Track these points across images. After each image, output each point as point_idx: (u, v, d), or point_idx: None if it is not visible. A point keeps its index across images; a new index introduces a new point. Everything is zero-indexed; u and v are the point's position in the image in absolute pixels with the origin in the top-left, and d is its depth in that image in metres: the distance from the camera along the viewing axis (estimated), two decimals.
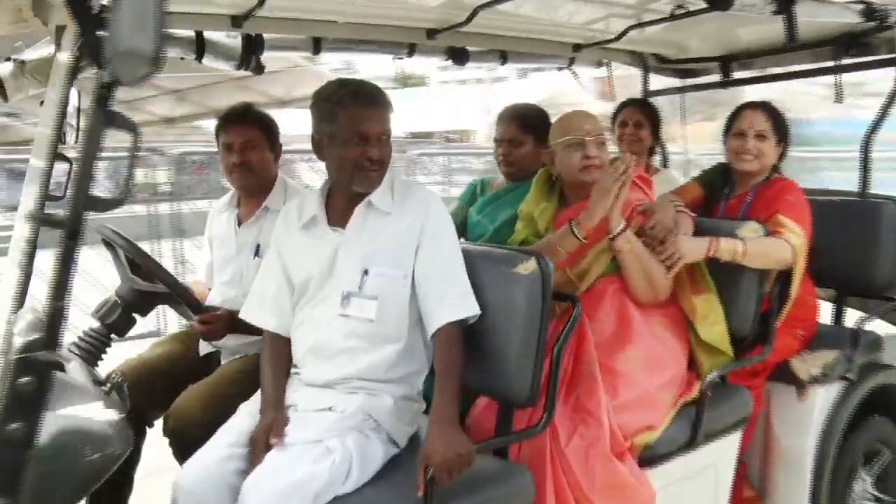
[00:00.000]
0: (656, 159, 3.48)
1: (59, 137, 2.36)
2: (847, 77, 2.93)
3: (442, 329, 1.91)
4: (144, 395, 2.35)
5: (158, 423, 2.30)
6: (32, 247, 1.56)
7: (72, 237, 1.33)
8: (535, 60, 3.32)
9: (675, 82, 3.51)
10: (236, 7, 2.39)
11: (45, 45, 2.38)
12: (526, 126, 2.69)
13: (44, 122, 2.33)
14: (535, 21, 2.90)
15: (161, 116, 12.38)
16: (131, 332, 2.34)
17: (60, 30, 2.30)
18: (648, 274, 2.26)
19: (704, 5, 2.37)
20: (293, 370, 2.04)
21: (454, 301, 1.93)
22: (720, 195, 2.74)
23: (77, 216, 1.34)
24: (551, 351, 1.91)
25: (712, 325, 2.35)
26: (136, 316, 2.26)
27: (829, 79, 2.98)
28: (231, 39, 2.64)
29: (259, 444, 1.81)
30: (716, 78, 3.36)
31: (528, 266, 1.85)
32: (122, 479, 2.39)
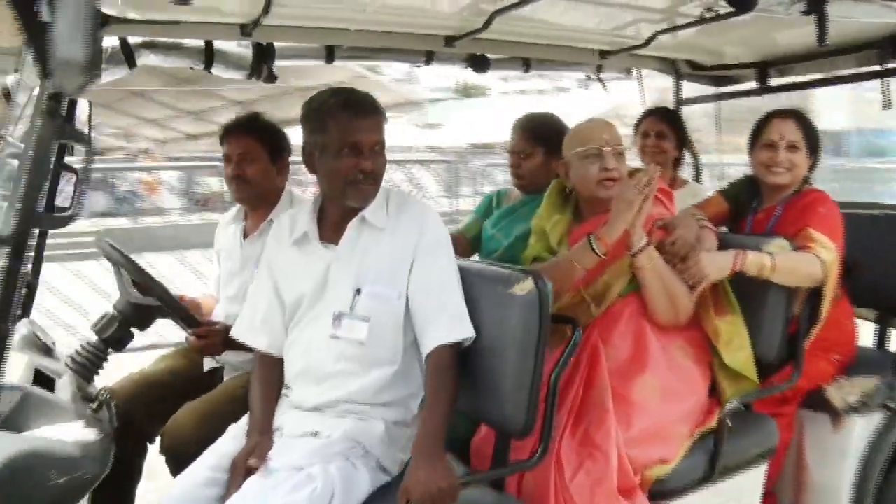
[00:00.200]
0: (686, 171, 3.31)
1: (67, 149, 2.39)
2: None
3: (434, 352, 1.82)
4: (145, 409, 2.32)
5: None
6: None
7: (16, 254, 1.26)
8: (559, 68, 3.20)
9: (709, 90, 3.35)
10: (244, 16, 2.35)
11: None
12: (535, 137, 2.58)
13: None
14: (559, 27, 2.79)
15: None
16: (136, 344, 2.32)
17: None
18: (671, 294, 2.12)
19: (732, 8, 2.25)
20: (284, 391, 1.97)
21: (447, 322, 1.83)
22: (747, 209, 2.58)
23: (22, 232, 1.28)
24: (549, 378, 1.79)
25: (737, 349, 2.19)
26: (135, 330, 2.22)
27: None
28: (242, 49, 2.60)
29: (238, 469, 1.74)
30: (753, 85, 3.19)
31: (525, 286, 1.74)
32: (123, 496, 2.35)
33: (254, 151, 2.40)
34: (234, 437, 1.87)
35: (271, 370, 1.97)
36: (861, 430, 2.43)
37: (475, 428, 2.09)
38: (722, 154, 3.36)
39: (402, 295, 1.87)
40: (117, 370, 2.45)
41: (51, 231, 3.01)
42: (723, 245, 2.27)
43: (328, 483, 1.67)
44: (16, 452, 1.42)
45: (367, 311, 1.85)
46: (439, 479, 1.62)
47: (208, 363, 2.46)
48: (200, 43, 2.50)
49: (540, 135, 2.57)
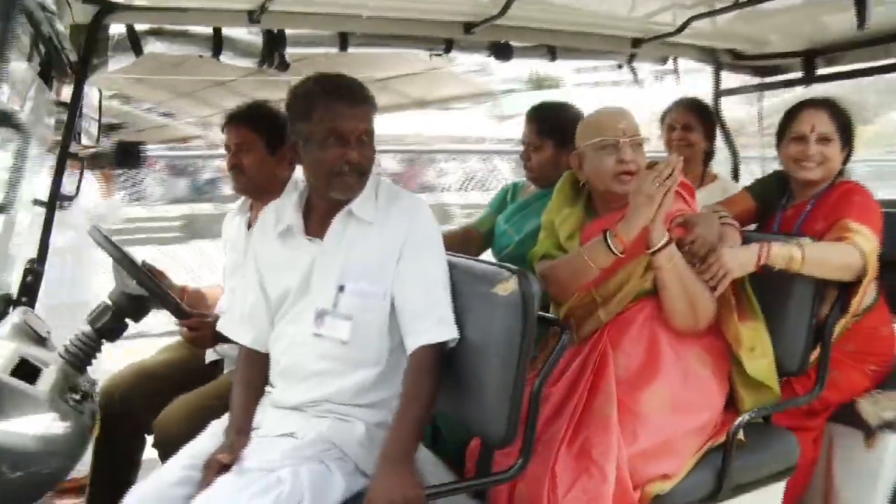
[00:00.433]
0: (721, 168, 3.12)
1: (73, 137, 2.38)
2: None
3: (416, 352, 1.73)
4: (143, 401, 2.31)
5: None
6: None
7: None
8: (588, 57, 3.06)
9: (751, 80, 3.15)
10: (250, 2, 2.30)
11: None
12: (544, 129, 2.45)
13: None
14: (586, 13, 2.66)
15: None
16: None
17: (74, 29, 2.30)
18: (690, 296, 1.97)
19: None
20: (267, 388, 1.91)
21: (432, 322, 1.73)
22: (776, 206, 2.39)
23: None
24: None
25: (759, 357, 2.03)
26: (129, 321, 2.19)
27: None
28: (252, 36, 2.55)
29: (211, 468, 1.68)
30: (798, 75, 2.98)
31: (508, 286, 1.62)
32: (120, 488, 2.33)
33: (250, 142, 2.34)
34: (212, 435, 1.82)
35: (255, 366, 1.91)
36: None
37: (471, 434, 1.99)
38: (765, 149, 3.14)
39: (387, 293, 1.79)
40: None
41: (136, 216, 3.10)
42: (746, 244, 2.11)
43: (297, 486, 1.60)
44: None
45: (350, 310, 1.77)
46: (406, 487, 1.54)
47: (210, 355, 2.42)
48: (209, 30, 2.46)
49: (550, 127, 2.44)
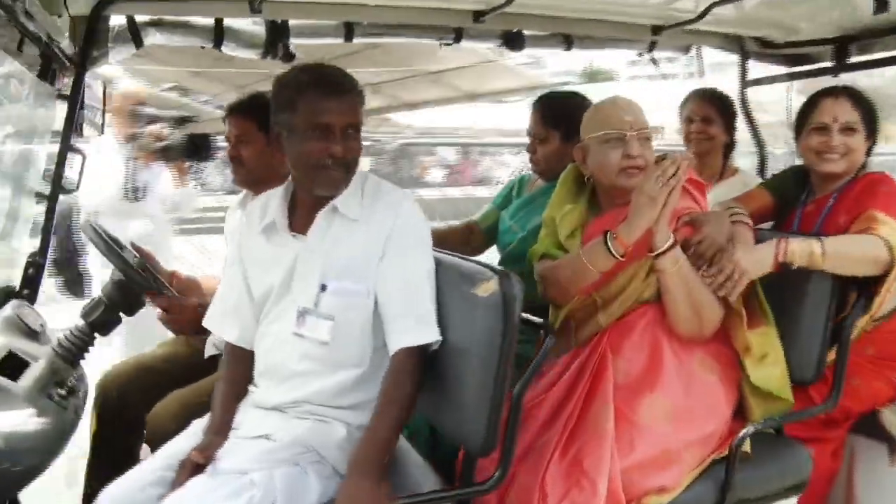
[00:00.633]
0: (743, 163, 2.97)
1: (74, 129, 2.36)
2: None
3: (395, 354, 1.66)
4: (141, 395, 2.28)
5: None
6: None
7: None
8: (606, 46, 2.94)
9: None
10: None
11: None
12: (551, 120, 2.35)
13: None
14: (601, 0, 2.55)
15: None
16: None
17: (75, 21, 2.28)
18: (695, 302, 1.85)
19: None
20: (251, 387, 1.86)
21: (414, 323, 1.66)
22: (795, 202, 2.26)
23: None
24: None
25: (771, 365, 1.91)
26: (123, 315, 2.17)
27: None
28: (255, 27, 2.50)
29: (185, 469, 1.64)
30: (829, 64, 2.82)
31: (488, 287, 1.54)
32: None
33: (249, 133, 2.30)
34: (192, 434, 1.78)
35: (239, 364, 1.86)
36: None
37: (450, 442, 1.92)
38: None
39: (371, 291, 1.72)
40: None
41: (208, 206, 3.13)
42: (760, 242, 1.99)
43: (270, 490, 1.55)
44: None
45: (332, 309, 1.71)
46: (373, 496, 1.48)
47: (209, 350, 2.39)
48: (210, 21, 2.42)
49: (556, 117, 2.34)
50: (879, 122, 2.15)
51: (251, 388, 1.85)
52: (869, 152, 2.16)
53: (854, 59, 2.74)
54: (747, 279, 1.88)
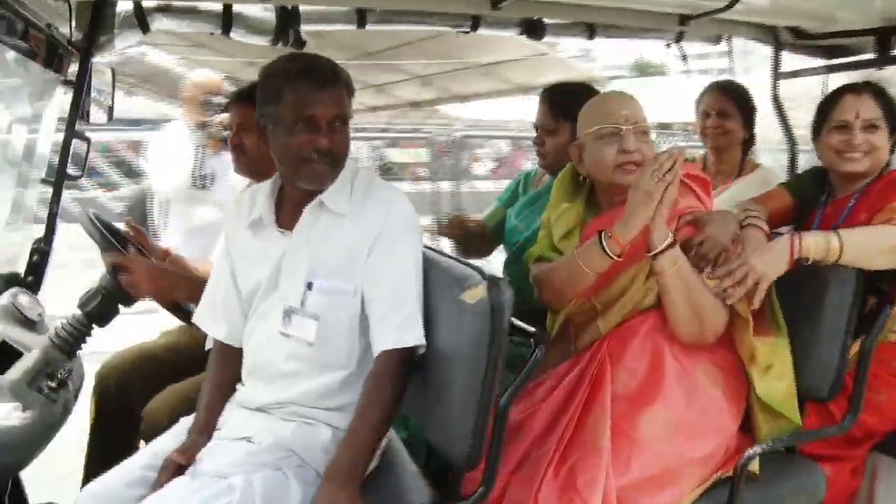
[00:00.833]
0: (765, 157, 2.84)
1: (80, 115, 2.34)
2: None
3: (379, 356, 1.60)
4: (140, 386, 2.27)
5: None
6: None
7: None
8: (631, 35, 2.82)
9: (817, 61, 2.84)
10: None
11: None
12: (561, 111, 2.24)
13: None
14: None
15: (407, 100, 12.93)
16: None
17: (82, 6, 2.25)
18: (695, 305, 1.76)
19: None
20: (238, 385, 1.82)
21: (398, 324, 1.59)
22: (815, 203, 2.13)
23: None
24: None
25: (776, 379, 1.80)
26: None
27: None
28: (265, 13, 2.44)
29: (166, 470, 1.61)
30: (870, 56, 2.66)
31: (475, 293, 1.46)
32: None
33: (251, 121, 2.24)
34: (178, 434, 1.74)
35: (227, 362, 1.82)
36: None
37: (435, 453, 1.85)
38: None
39: (358, 290, 1.66)
40: None
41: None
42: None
43: (249, 494, 1.50)
44: None
45: (318, 309, 1.66)
46: None
47: (210, 342, 2.36)
48: (218, 6, 2.37)
49: (567, 108, 2.21)
50: None
51: (238, 385, 1.81)
52: (893, 150, 2.03)
53: None
54: (767, 282, 1.77)
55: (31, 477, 2.10)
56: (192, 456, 1.62)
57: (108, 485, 1.63)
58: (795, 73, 2.86)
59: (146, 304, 2.07)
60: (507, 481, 1.71)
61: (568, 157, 2.15)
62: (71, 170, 2.31)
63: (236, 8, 2.38)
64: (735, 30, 2.77)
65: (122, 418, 2.24)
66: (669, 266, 1.74)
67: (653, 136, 1.93)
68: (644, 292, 1.84)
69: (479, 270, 1.52)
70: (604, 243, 1.74)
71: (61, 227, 2.28)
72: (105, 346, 2.26)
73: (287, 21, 2.44)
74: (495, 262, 2.76)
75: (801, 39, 2.78)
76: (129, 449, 2.34)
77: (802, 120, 2.54)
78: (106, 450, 2.24)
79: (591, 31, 2.70)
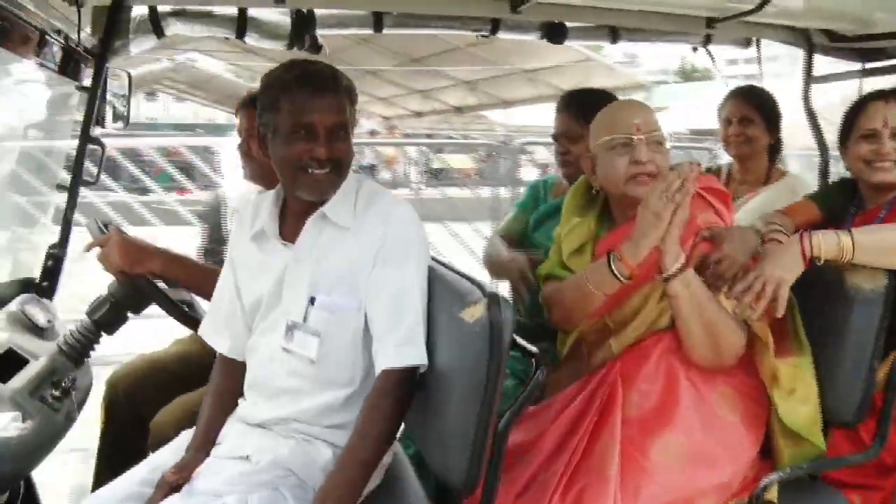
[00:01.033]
0: (792, 165, 2.72)
1: (95, 120, 2.33)
2: None
3: (379, 376, 1.55)
4: (149, 396, 2.25)
5: None
6: None
7: None
8: (656, 39, 2.74)
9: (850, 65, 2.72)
10: None
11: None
12: (584, 116, 2.14)
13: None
14: None
15: (452, 105, 12.93)
16: None
17: (98, 11, 2.24)
18: (712, 328, 1.67)
19: None
20: (241, 399, 1.79)
21: (399, 342, 1.54)
22: (844, 214, 2.04)
23: None
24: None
25: (800, 402, 1.71)
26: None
27: None
28: (280, 17, 2.42)
29: (161, 489, 1.58)
30: None
31: (475, 312, 1.40)
32: None
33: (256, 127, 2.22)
34: (175, 450, 1.72)
35: (230, 377, 1.79)
36: None
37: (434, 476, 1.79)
38: None
39: (362, 306, 1.62)
40: None
41: None
42: None
43: None
44: None
45: (320, 325, 1.61)
46: None
47: None
48: (233, 10, 2.35)
49: (592, 112, 2.15)
50: None
51: (240, 399, 1.78)
52: None
53: None
54: (786, 287, 1.68)
55: (46, 486, 2.12)
56: (189, 474, 1.59)
57: (105, 500, 1.61)
58: (828, 78, 2.75)
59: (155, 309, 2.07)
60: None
61: None
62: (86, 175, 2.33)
63: (251, 12, 2.36)
64: (765, 32, 2.68)
65: (131, 428, 2.22)
66: (682, 289, 1.66)
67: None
68: (658, 312, 1.77)
69: (481, 287, 1.46)
70: (612, 265, 1.67)
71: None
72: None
73: (302, 25, 2.42)
74: None
75: (835, 42, 2.67)
76: (138, 459, 2.32)
77: None
78: (115, 459, 2.23)
79: (613, 34, 2.63)
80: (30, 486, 2.05)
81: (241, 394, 1.77)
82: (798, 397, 1.71)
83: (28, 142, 2.44)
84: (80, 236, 2.15)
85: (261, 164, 2.22)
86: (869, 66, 2.68)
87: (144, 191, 6.56)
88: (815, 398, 1.72)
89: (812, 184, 2.59)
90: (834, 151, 2.49)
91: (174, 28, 2.32)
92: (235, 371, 1.78)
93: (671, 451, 1.64)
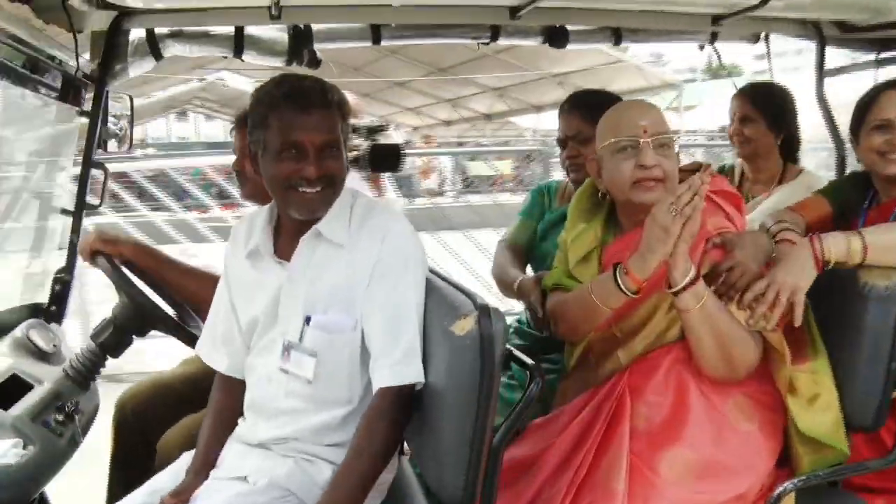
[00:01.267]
0: (809, 163, 2.63)
1: (97, 144, 2.34)
2: None
3: (376, 394, 1.52)
4: (159, 416, 2.23)
5: None
6: None
7: None
8: (661, 39, 2.68)
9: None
10: None
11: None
12: (593, 116, 2.09)
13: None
14: None
15: (481, 113, 12.92)
16: None
17: (97, 36, 2.26)
18: (724, 342, 1.60)
19: None
20: (240, 419, 1.76)
21: (396, 360, 1.51)
22: (857, 210, 1.96)
23: None
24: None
25: (822, 410, 1.64)
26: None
27: None
28: (277, 33, 2.42)
29: None
30: None
31: (464, 325, 1.37)
32: None
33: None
34: (175, 472, 1.70)
35: (229, 395, 1.77)
36: None
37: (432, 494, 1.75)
38: None
39: (358, 324, 1.59)
40: None
41: None
42: None
43: None
44: None
45: (316, 344, 1.58)
46: None
47: None
48: (230, 30, 2.35)
49: (600, 113, 2.08)
50: None
51: (240, 420, 1.76)
52: None
53: None
54: (802, 294, 1.62)
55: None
56: (187, 497, 1.57)
57: None
58: (842, 70, 2.66)
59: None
60: None
61: None
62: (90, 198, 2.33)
63: (248, 30, 2.36)
64: (774, 27, 2.60)
65: (140, 448, 2.21)
66: (693, 303, 1.58)
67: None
68: (668, 323, 1.71)
69: (474, 298, 1.42)
70: (619, 279, 1.61)
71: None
72: None
73: (300, 41, 2.41)
74: None
75: (848, 33, 2.59)
76: (145, 480, 2.33)
77: None
78: (124, 481, 2.22)
79: (617, 36, 2.57)
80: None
81: (241, 412, 1.75)
82: (820, 405, 1.64)
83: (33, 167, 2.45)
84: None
85: (255, 183, 2.19)
86: (884, 55, 2.59)
87: (191, 207, 6.68)
88: (836, 403, 1.65)
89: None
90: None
91: (172, 50, 2.33)
92: (234, 389, 1.76)
93: (680, 465, 1.58)
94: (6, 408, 1.74)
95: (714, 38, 2.62)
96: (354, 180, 3.04)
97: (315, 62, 2.47)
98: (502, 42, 2.53)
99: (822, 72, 2.65)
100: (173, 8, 2.23)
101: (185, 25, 2.29)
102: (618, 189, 1.76)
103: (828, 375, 1.67)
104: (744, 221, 1.79)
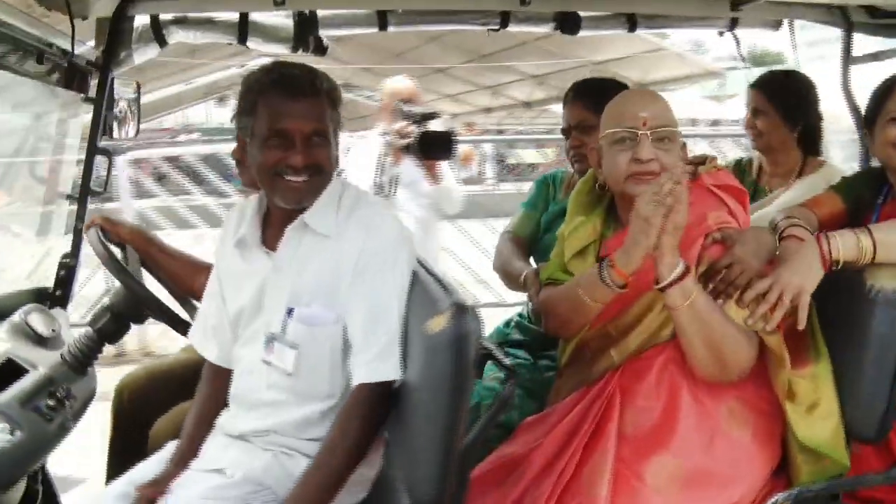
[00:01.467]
0: (835, 156, 2.51)
1: (103, 130, 2.35)
2: None
3: (353, 389, 1.49)
4: (155, 403, 2.24)
5: None
6: None
7: None
8: (678, 25, 2.59)
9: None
10: None
11: None
12: (597, 105, 2.02)
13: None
14: None
15: (520, 100, 12.86)
16: None
17: (101, 22, 2.26)
18: (716, 342, 1.54)
19: None
20: (224, 411, 1.75)
21: (371, 356, 1.48)
22: (871, 206, 1.86)
23: None
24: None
25: (822, 418, 1.57)
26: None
27: None
28: (282, 20, 2.39)
29: (139, 501, 1.56)
30: None
31: (439, 322, 1.32)
32: None
33: None
34: (161, 461, 1.69)
35: (217, 385, 1.75)
36: None
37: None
38: None
39: (341, 318, 1.56)
40: None
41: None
42: None
43: None
44: None
45: (297, 337, 1.56)
46: None
47: None
48: (234, 16, 2.33)
49: (605, 103, 1.99)
50: None
51: (224, 410, 1.74)
52: None
53: None
54: (806, 297, 1.54)
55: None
56: (163, 489, 1.57)
57: None
58: (872, 57, 2.53)
59: None
60: None
61: None
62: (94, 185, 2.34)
63: (252, 17, 2.34)
64: (797, 12, 2.48)
65: (136, 435, 2.22)
66: (681, 300, 1.52)
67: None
68: (661, 322, 1.65)
69: (451, 293, 1.38)
70: (605, 274, 1.56)
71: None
72: None
73: (305, 27, 2.38)
74: None
75: (878, 19, 2.46)
76: None
77: None
78: (121, 466, 2.24)
79: (631, 22, 2.49)
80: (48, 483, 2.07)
81: (224, 404, 1.74)
82: (820, 413, 1.57)
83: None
84: None
85: (252, 172, 2.19)
86: None
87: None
88: (837, 411, 1.57)
89: None
90: None
91: (176, 36, 2.31)
92: (224, 379, 1.74)
93: (666, 473, 1.52)
94: None
95: (734, 24, 2.52)
96: (410, 167, 3.06)
97: (321, 49, 2.44)
98: (512, 28, 2.46)
99: (848, 60, 2.53)
100: None
101: (190, 12, 2.28)
102: (614, 181, 1.71)
103: (829, 381, 1.59)
104: (747, 217, 1.71)
